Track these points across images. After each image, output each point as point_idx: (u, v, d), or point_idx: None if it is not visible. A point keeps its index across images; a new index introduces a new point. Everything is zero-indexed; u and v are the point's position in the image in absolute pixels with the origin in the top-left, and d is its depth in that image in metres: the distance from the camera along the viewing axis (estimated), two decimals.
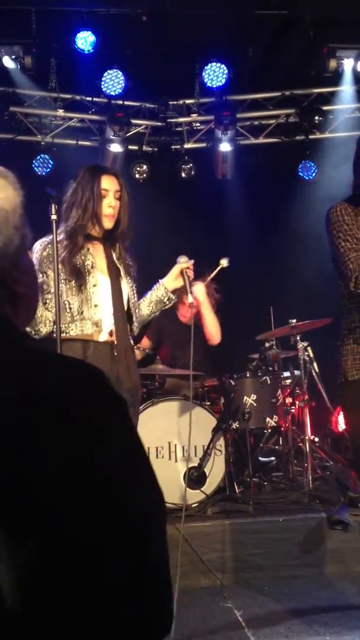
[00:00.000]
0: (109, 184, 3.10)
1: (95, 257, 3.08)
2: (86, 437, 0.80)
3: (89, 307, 2.99)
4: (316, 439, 5.17)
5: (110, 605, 0.77)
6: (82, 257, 3.04)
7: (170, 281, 3.26)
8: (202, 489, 4.42)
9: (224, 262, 4.48)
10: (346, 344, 2.77)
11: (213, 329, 5.25)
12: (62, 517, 0.76)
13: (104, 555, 0.78)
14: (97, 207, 3.04)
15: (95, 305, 3.00)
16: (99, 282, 3.04)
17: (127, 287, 3.14)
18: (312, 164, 6.73)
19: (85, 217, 3.04)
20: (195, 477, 4.43)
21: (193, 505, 4.36)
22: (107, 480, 0.81)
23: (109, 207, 3.08)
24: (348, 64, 5.84)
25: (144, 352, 5.33)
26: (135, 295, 3.22)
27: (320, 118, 6.25)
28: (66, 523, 0.76)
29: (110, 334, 3.02)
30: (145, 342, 5.53)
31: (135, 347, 3.32)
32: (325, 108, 6.31)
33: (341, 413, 4.99)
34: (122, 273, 3.13)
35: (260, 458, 5.18)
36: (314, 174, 6.74)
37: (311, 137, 6.56)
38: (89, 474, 0.79)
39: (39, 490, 0.75)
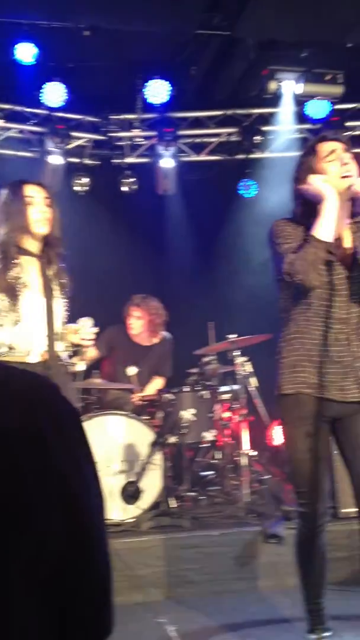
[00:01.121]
0: (33, 191, 3.08)
1: (30, 274, 3.04)
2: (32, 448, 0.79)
3: (21, 327, 2.95)
4: (253, 453, 5.20)
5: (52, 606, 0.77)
6: (16, 274, 2.99)
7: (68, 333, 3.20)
8: (138, 504, 4.38)
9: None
10: (283, 357, 2.81)
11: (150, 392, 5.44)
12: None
13: (57, 569, 0.77)
14: (23, 218, 3.01)
15: (28, 325, 2.96)
16: (32, 300, 2.99)
17: (60, 306, 3.10)
18: (253, 183, 6.85)
19: (14, 228, 3.01)
20: (131, 492, 4.39)
21: (128, 521, 4.32)
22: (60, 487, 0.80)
23: (39, 212, 3.05)
24: (287, 87, 5.98)
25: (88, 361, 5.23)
26: (66, 315, 3.18)
27: (261, 138, 6.37)
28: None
29: (43, 355, 2.98)
30: (93, 352, 5.48)
31: (70, 363, 3.27)
32: (265, 128, 6.45)
33: (277, 427, 5.05)
34: (57, 292, 3.09)
35: (197, 472, 5.19)
36: (254, 192, 6.86)
37: (252, 156, 6.68)
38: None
39: None
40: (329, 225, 2.63)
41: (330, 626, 2.88)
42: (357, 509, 2.78)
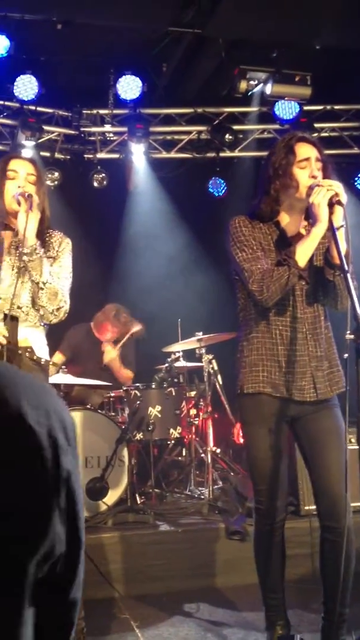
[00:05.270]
0: (18, 165, 2.97)
1: (4, 246, 2.92)
2: None
3: None
4: (218, 450, 5.27)
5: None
6: None
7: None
8: (103, 500, 4.41)
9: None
10: (245, 355, 2.86)
11: (122, 380, 5.53)
12: None
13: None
14: (1, 186, 2.91)
15: None
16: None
17: (34, 279, 2.86)
18: (222, 181, 6.90)
19: None
20: (97, 488, 4.42)
21: (94, 517, 4.34)
22: None
23: (18, 186, 2.91)
24: (257, 87, 6.03)
25: (58, 367, 5.16)
26: (48, 284, 2.89)
27: (231, 137, 6.41)
28: None
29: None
30: (58, 357, 5.48)
31: (50, 362, 3.15)
32: (235, 127, 6.48)
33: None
34: (33, 265, 2.85)
35: (162, 469, 5.23)
36: (223, 190, 6.91)
37: (221, 154, 6.72)
38: None
39: None
40: (309, 252, 2.68)
41: (289, 622, 2.94)
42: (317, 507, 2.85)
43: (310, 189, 2.67)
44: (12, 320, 2.81)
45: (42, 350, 2.97)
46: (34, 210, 2.82)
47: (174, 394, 5.02)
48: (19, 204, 2.85)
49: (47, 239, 3.03)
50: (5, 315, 2.80)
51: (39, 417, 0.83)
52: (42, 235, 2.99)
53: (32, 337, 2.92)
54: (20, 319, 2.87)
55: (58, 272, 2.96)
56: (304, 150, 2.79)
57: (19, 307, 2.90)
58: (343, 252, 2.51)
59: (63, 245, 3.05)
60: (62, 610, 0.90)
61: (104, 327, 5.55)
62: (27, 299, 2.91)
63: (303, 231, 2.86)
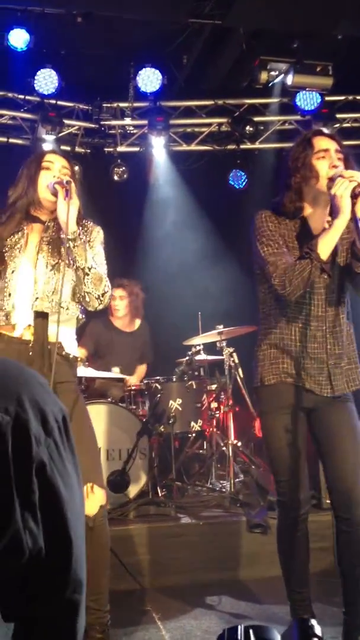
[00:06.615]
0: (53, 157, 2.97)
1: (29, 240, 2.85)
2: None
3: (3, 295, 2.76)
4: (239, 444, 5.26)
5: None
6: (15, 240, 2.82)
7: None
8: (124, 492, 4.43)
9: None
10: (262, 349, 2.86)
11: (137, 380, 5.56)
12: None
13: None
14: (34, 182, 2.88)
15: (10, 295, 2.75)
16: (19, 268, 2.79)
17: (70, 274, 2.79)
18: (243, 173, 6.86)
19: (24, 193, 2.89)
20: (118, 481, 4.44)
21: (115, 509, 4.36)
22: None
23: (53, 176, 2.88)
24: (278, 77, 5.99)
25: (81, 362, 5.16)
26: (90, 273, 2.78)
27: (251, 129, 6.37)
28: None
29: (28, 330, 2.75)
30: (81, 352, 5.50)
31: (78, 358, 3.10)
32: (256, 119, 6.45)
33: None
34: (67, 259, 2.77)
35: (183, 462, 5.24)
36: (244, 183, 6.87)
37: (242, 146, 6.68)
38: None
39: None
40: (332, 244, 2.64)
41: (315, 615, 2.93)
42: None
43: (332, 180, 2.64)
44: (41, 318, 2.77)
45: (71, 345, 2.90)
46: (72, 197, 2.80)
47: (194, 387, 5.02)
48: (54, 195, 2.83)
49: (81, 229, 3.01)
50: (36, 313, 2.77)
51: (6, 404, 0.80)
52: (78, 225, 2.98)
53: (64, 332, 2.79)
54: (62, 314, 2.75)
55: (95, 259, 2.92)
56: (322, 143, 2.78)
57: (57, 303, 2.78)
58: None
59: (94, 235, 3.01)
60: (59, 611, 0.85)
61: (111, 300, 5.57)
62: (67, 294, 2.82)
63: (327, 226, 2.83)
